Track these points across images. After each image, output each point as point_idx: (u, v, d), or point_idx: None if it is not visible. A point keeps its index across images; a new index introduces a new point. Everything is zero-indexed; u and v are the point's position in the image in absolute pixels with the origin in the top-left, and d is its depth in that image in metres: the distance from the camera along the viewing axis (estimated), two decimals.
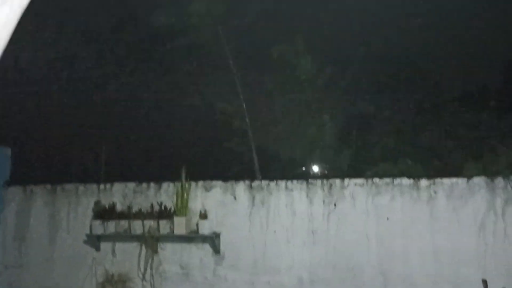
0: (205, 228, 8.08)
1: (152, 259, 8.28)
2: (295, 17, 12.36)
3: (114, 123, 14.20)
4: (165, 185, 8.59)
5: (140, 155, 13.50)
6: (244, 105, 11.64)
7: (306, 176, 11.24)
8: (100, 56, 15.85)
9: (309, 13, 12.65)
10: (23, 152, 11.68)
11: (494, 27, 13.41)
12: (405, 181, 7.75)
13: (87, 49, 15.69)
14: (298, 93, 11.57)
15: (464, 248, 7.36)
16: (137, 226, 8.14)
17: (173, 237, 8.15)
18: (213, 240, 8.03)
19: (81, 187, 8.90)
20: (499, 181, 7.39)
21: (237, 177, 8.60)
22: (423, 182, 7.66)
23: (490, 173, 7.41)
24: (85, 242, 8.55)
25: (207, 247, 8.20)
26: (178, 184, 8.21)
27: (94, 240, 8.45)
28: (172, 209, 8.15)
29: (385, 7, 13.20)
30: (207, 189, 8.40)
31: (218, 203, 8.32)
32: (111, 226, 8.21)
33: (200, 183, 8.43)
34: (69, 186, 8.96)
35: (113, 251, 8.49)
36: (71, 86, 14.51)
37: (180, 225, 7.94)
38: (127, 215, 8.27)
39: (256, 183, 8.32)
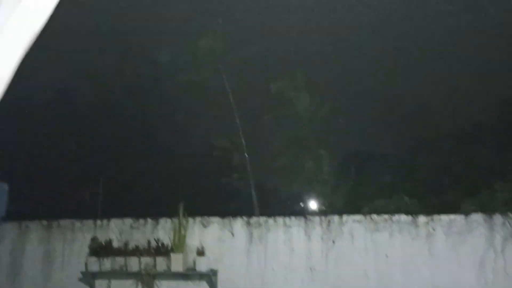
0: (202, 265, 7.98)
1: None
2: (293, 55, 12.60)
3: (112, 158, 14.21)
4: (162, 221, 8.53)
5: (137, 190, 13.45)
6: (243, 140, 11.72)
7: (304, 213, 11.21)
8: (99, 94, 16.02)
9: (307, 51, 12.90)
10: (20, 187, 11.64)
11: (489, 65, 13.66)
12: (404, 217, 7.73)
13: (86, 87, 15.86)
14: (296, 130, 11.66)
15: (464, 285, 7.28)
16: (134, 263, 8.03)
17: (170, 274, 8.03)
18: (210, 278, 7.92)
19: (78, 223, 8.83)
20: (498, 218, 7.37)
21: (235, 213, 8.56)
22: (421, 219, 7.64)
23: (488, 210, 7.41)
24: (80, 279, 8.41)
25: (204, 284, 8.07)
26: (176, 220, 8.16)
27: (89, 278, 8.31)
28: (169, 245, 8.06)
29: (382, 46, 13.48)
30: (204, 225, 8.34)
31: (216, 239, 8.25)
32: (107, 263, 8.09)
33: (198, 219, 8.38)
34: (65, 222, 8.88)
35: None
36: (69, 123, 14.58)
37: (177, 262, 7.84)
38: (123, 251, 8.18)
39: (254, 219, 8.28)
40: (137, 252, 8.11)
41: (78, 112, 14.96)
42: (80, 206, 11.88)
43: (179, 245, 7.95)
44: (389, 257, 7.62)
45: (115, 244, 8.39)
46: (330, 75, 12.72)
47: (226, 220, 8.33)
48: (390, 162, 12.66)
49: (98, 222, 8.75)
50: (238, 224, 8.26)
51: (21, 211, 10.00)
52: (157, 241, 8.16)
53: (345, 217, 7.95)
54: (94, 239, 8.43)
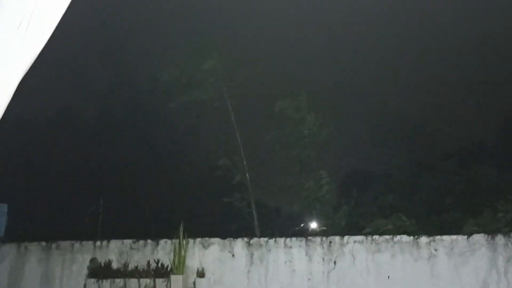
0: (203, 286, 7.92)
1: None
2: (295, 76, 12.66)
3: (112, 179, 14.19)
4: (162, 242, 8.48)
5: (137, 211, 13.40)
6: (244, 160, 11.71)
7: (305, 233, 11.12)
8: (99, 114, 16.08)
9: (309, 72, 12.98)
10: (20, 208, 11.59)
11: (490, 84, 13.72)
12: (405, 238, 7.67)
13: (86, 107, 15.94)
14: (298, 150, 11.66)
15: None
16: (133, 285, 7.97)
17: None
18: None
19: (77, 244, 8.78)
20: (500, 238, 7.31)
21: (235, 234, 8.51)
22: (423, 239, 7.58)
23: (490, 231, 7.34)
24: None
25: None
26: (176, 241, 8.12)
27: None
28: (169, 266, 8.01)
29: (384, 66, 13.56)
30: (204, 246, 8.29)
31: (216, 260, 8.19)
32: (106, 285, 8.03)
33: (198, 240, 8.33)
34: (64, 244, 8.84)
35: None
36: (68, 144, 14.60)
37: (177, 284, 7.78)
38: (123, 272, 8.12)
39: (254, 240, 8.23)
40: (136, 273, 8.05)
41: (78, 132, 15.00)
42: (79, 227, 11.81)
43: (179, 266, 7.90)
44: (391, 278, 7.54)
45: (115, 265, 8.33)
46: (332, 96, 12.78)
47: (226, 241, 8.28)
48: (391, 183, 12.61)
49: (98, 243, 8.71)
50: (239, 244, 8.21)
51: (21, 232, 9.94)
52: (157, 262, 8.11)
53: (346, 238, 7.90)
54: (93, 260, 8.38)
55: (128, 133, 14.98)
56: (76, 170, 14.08)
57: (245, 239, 8.26)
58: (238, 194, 11.68)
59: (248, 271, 8.06)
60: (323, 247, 7.92)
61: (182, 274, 7.88)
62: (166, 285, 7.88)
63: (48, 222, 12.55)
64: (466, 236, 7.43)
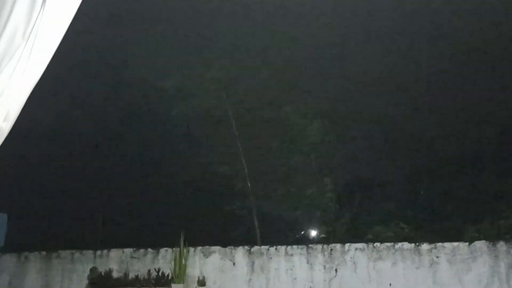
0: None
1: None
2: (297, 84, 12.69)
3: (112, 188, 14.17)
4: (163, 250, 8.46)
5: (138, 220, 13.36)
6: (245, 168, 11.71)
7: (306, 241, 11.11)
8: (98, 123, 16.07)
9: (311, 81, 13.00)
10: (20, 218, 11.57)
11: (488, 91, 13.74)
12: (406, 245, 7.65)
13: (85, 117, 15.93)
14: (299, 157, 11.67)
15: None
16: None
17: None
18: None
19: (77, 254, 8.76)
20: (501, 245, 7.29)
21: (236, 242, 8.49)
22: (425, 247, 7.56)
23: (491, 237, 7.33)
24: None
25: None
26: (176, 250, 8.09)
27: None
28: (170, 275, 7.98)
29: (386, 74, 13.60)
30: (205, 255, 8.27)
31: (217, 269, 8.16)
32: None
33: (199, 248, 8.31)
34: (64, 253, 8.82)
35: None
36: (68, 153, 14.58)
37: None
38: (123, 282, 8.09)
39: (255, 248, 8.21)
40: (137, 282, 8.02)
41: (77, 141, 14.98)
42: (79, 236, 11.78)
43: (180, 275, 7.86)
44: (392, 286, 7.51)
45: (115, 274, 8.30)
46: (333, 103, 12.79)
47: (227, 249, 8.26)
48: (393, 190, 12.61)
49: (98, 252, 8.69)
50: (240, 253, 8.19)
51: (20, 242, 9.92)
52: (157, 271, 8.08)
53: (347, 245, 7.88)
54: (93, 270, 8.35)
55: (128, 141, 14.97)
56: (76, 179, 14.05)
57: (246, 247, 8.24)
58: (239, 202, 11.68)
59: (249, 280, 8.03)
60: (324, 255, 7.89)
61: (183, 283, 7.85)
62: None
63: (48, 231, 12.52)
64: (467, 243, 7.42)
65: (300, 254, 7.98)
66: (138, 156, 14.66)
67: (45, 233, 12.43)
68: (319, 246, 8.01)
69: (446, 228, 9.08)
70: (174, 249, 8.21)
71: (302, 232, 12.62)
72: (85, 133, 15.70)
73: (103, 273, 8.26)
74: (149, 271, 8.16)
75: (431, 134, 14.34)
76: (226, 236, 11.48)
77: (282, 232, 12.44)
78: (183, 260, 7.96)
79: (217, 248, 8.30)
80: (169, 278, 7.97)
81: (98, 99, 15.46)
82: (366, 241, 8.02)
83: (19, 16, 1.79)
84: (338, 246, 7.90)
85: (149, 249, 8.53)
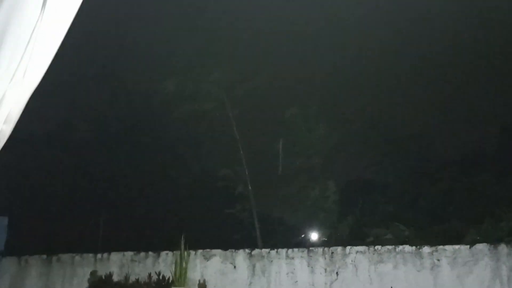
0: None
1: None
2: (298, 87, 12.72)
3: (112, 191, 14.16)
4: (163, 254, 8.44)
5: (138, 223, 13.35)
6: (246, 171, 11.71)
7: (307, 244, 11.09)
8: (99, 127, 16.07)
9: (312, 84, 13.04)
10: (20, 221, 11.56)
11: (489, 92, 13.75)
12: (408, 248, 7.63)
13: (85, 121, 15.93)
14: (300, 160, 11.67)
15: None
16: None
17: None
18: None
19: (77, 257, 8.73)
20: (503, 247, 7.27)
21: (237, 245, 8.46)
22: (426, 249, 7.54)
23: (492, 240, 7.31)
24: None
25: None
26: (177, 253, 8.06)
27: None
28: (171, 279, 7.95)
29: (387, 77, 13.62)
30: (206, 258, 8.24)
31: (218, 272, 8.14)
32: None
33: (199, 251, 8.29)
34: (65, 257, 8.79)
35: None
36: (68, 157, 14.58)
37: None
38: (124, 285, 8.06)
39: (256, 251, 8.18)
40: (137, 286, 7.99)
41: (78, 145, 14.98)
42: (80, 240, 11.77)
43: (180, 278, 7.84)
44: None
45: (115, 277, 8.27)
46: (334, 107, 12.82)
47: (228, 253, 8.23)
48: (393, 192, 12.60)
49: (99, 255, 8.66)
50: (240, 256, 8.16)
51: (21, 245, 9.91)
52: (158, 274, 8.05)
53: (348, 248, 7.85)
54: (93, 273, 8.33)
55: (129, 144, 14.97)
56: (77, 183, 14.05)
57: (247, 250, 8.21)
58: (240, 205, 11.66)
59: (250, 283, 8.00)
60: (325, 258, 7.87)
61: (184, 286, 7.82)
62: None
63: (48, 235, 12.51)
64: (468, 246, 7.39)
65: (301, 257, 7.96)
66: (139, 159, 14.65)
67: (46, 236, 12.41)
68: (320, 249, 7.99)
69: (447, 230, 9.06)
70: (174, 252, 8.19)
71: (303, 235, 12.60)
72: (85, 136, 15.69)
73: (103, 277, 8.23)
74: (149, 274, 8.12)
75: (432, 136, 14.35)
76: (227, 239, 11.47)
77: (283, 235, 12.43)
78: (184, 263, 7.93)
79: (218, 251, 8.28)
80: (170, 281, 7.93)
81: (98, 101, 15.47)
82: (367, 244, 8.00)
83: (20, 19, 1.79)
84: (339, 249, 7.88)
85: (150, 252, 8.51)
